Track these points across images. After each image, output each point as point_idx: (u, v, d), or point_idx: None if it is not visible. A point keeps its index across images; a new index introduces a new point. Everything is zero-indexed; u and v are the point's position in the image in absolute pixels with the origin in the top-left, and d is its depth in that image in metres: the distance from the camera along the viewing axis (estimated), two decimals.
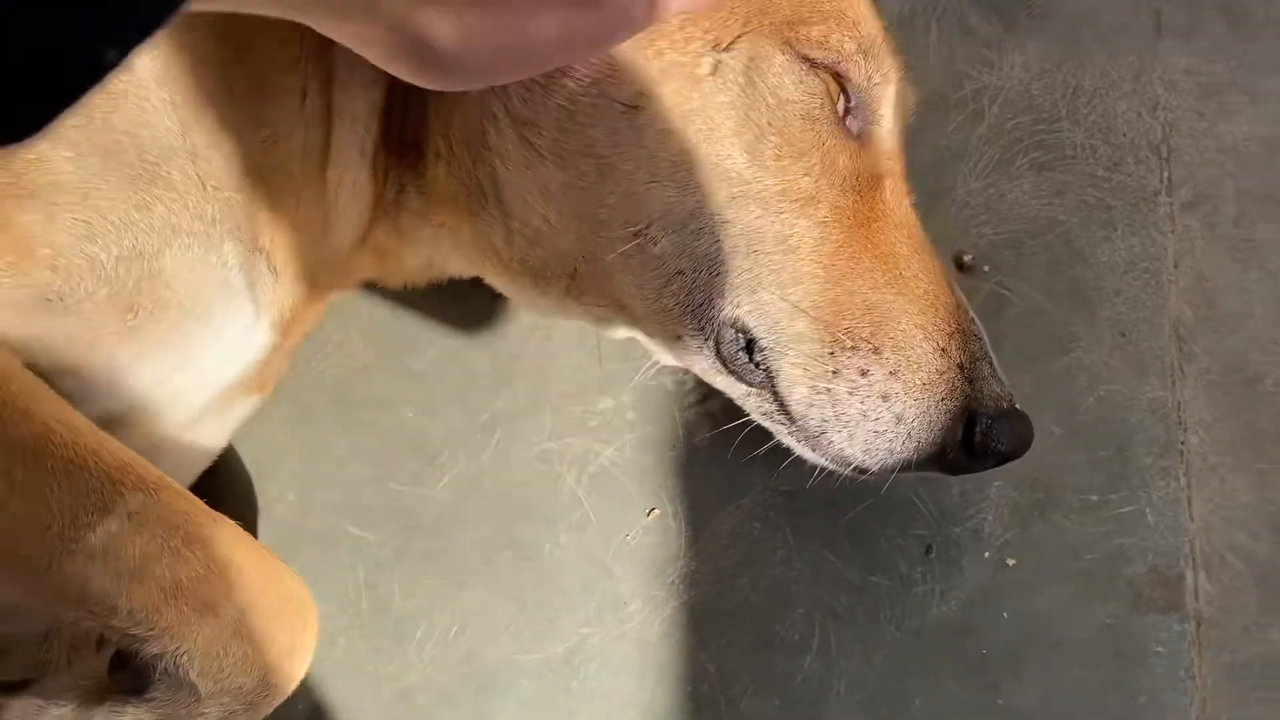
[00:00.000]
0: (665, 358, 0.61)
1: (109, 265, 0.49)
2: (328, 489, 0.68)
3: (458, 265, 0.62)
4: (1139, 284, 0.70)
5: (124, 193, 0.48)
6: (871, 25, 0.55)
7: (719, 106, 0.51)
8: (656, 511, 0.67)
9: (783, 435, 0.57)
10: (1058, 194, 0.71)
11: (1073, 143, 0.72)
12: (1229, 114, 0.73)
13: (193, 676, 0.48)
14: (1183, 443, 0.67)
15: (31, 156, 0.46)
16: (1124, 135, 0.73)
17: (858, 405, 0.53)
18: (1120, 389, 0.68)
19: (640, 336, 0.61)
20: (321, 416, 0.70)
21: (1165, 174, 0.72)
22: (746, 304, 0.54)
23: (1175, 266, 0.70)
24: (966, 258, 0.70)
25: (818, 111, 0.52)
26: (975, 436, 0.54)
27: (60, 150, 0.47)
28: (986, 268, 0.70)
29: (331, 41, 0.36)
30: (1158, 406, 0.68)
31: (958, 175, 0.71)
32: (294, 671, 0.52)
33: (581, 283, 0.57)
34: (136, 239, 0.49)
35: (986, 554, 0.66)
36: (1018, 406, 0.55)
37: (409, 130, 0.56)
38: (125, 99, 0.47)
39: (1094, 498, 0.67)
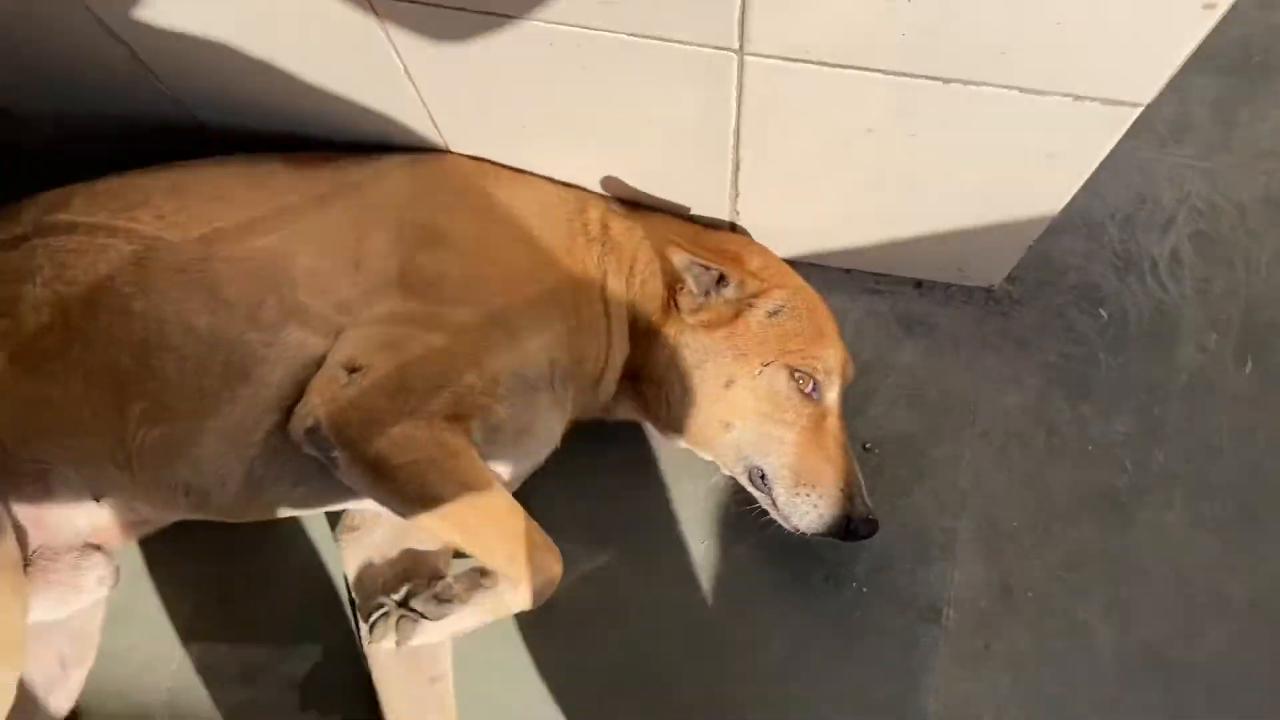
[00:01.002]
0: (726, 472, 1.37)
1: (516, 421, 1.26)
2: None
3: (634, 416, 1.39)
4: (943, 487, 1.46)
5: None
6: (836, 356, 1.31)
7: (760, 389, 1.27)
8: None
9: (773, 513, 1.32)
10: (909, 407, 1.47)
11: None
12: None
13: (520, 585, 1.24)
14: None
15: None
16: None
17: (804, 507, 1.29)
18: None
19: (719, 463, 1.37)
20: None
21: None
22: (763, 463, 1.29)
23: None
24: (867, 445, 1.46)
25: (797, 392, 1.28)
26: (851, 525, 1.29)
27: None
28: (872, 449, 1.45)
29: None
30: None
31: (873, 402, 1.48)
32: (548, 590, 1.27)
33: (694, 442, 1.34)
34: (533, 410, 1.26)
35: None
36: (873, 516, 1.30)
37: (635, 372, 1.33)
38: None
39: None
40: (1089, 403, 1.44)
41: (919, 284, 1.50)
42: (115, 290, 1.22)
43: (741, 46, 0.98)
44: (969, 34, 0.92)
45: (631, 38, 1.00)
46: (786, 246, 1.40)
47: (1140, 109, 0.96)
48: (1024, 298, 1.48)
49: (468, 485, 1.21)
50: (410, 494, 1.20)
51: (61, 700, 1.37)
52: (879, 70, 0.98)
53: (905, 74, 0.98)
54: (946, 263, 1.42)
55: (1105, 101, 0.96)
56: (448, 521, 1.20)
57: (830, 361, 1.30)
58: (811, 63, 0.99)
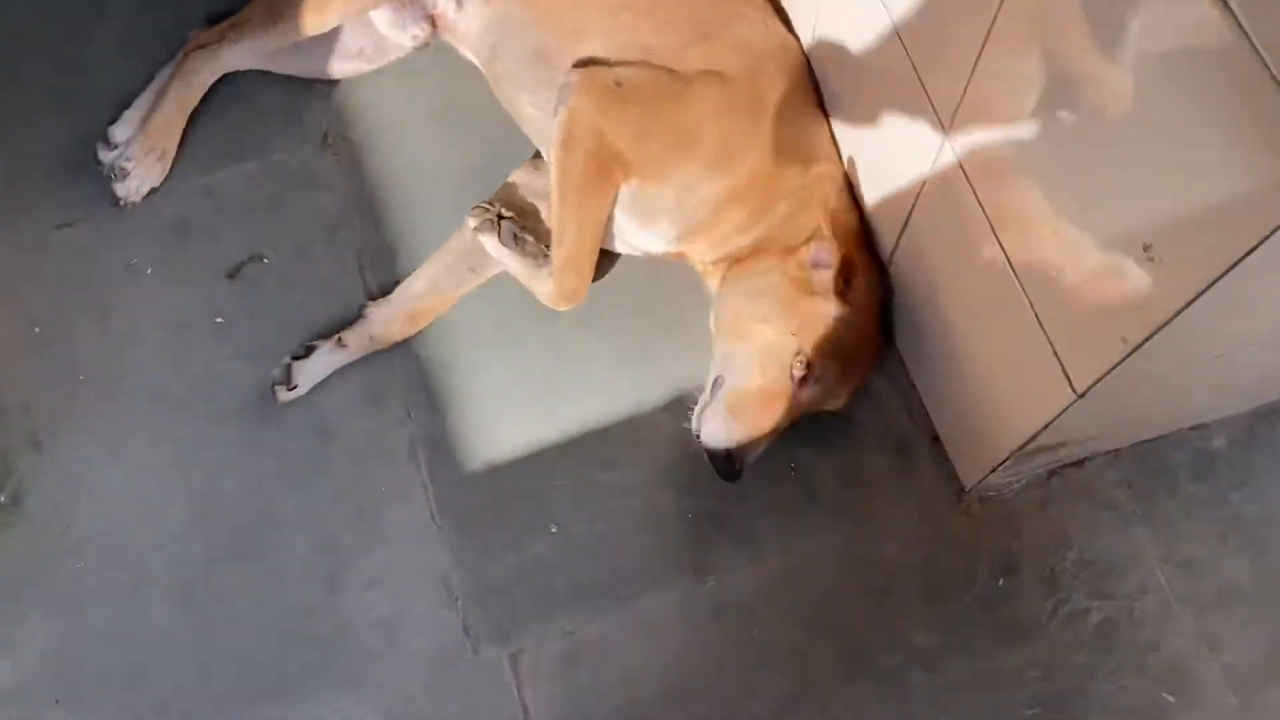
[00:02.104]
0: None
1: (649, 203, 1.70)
2: None
3: (710, 284, 1.79)
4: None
5: None
6: (839, 385, 1.65)
7: (774, 343, 1.60)
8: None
9: (696, 410, 1.68)
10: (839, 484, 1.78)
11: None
12: None
13: (551, 284, 1.69)
14: None
15: None
16: None
17: (717, 423, 1.60)
18: None
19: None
20: None
21: None
22: (728, 376, 1.64)
23: None
24: (793, 466, 1.78)
25: (789, 369, 1.60)
26: (728, 459, 1.61)
27: None
28: (794, 473, 1.78)
29: None
30: None
31: (835, 450, 1.80)
32: (562, 305, 1.73)
33: (713, 323, 1.72)
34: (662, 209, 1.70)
35: None
36: (741, 473, 1.63)
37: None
38: None
39: None
40: (923, 605, 1.70)
41: (935, 437, 1.78)
42: None
43: (949, 128, 1.34)
44: (1038, 255, 1.23)
45: (900, 45, 1.36)
46: (897, 319, 1.73)
47: (1075, 397, 1.24)
48: (974, 518, 1.74)
49: (591, 207, 1.67)
50: (563, 169, 1.66)
51: (337, 67, 1.98)
52: (991, 226, 1.31)
53: (997, 237, 1.30)
54: (956, 440, 1.71)
55: (1063, 370, 1.25)
56: (560, 209, 1.67)
57: (832, 382, 1.63)
58: (971, 189, 1.33)
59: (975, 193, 1.32)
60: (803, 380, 1.63)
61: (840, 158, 1.74)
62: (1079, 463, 1.76)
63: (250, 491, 1.75)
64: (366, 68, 1.99)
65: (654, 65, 1.69)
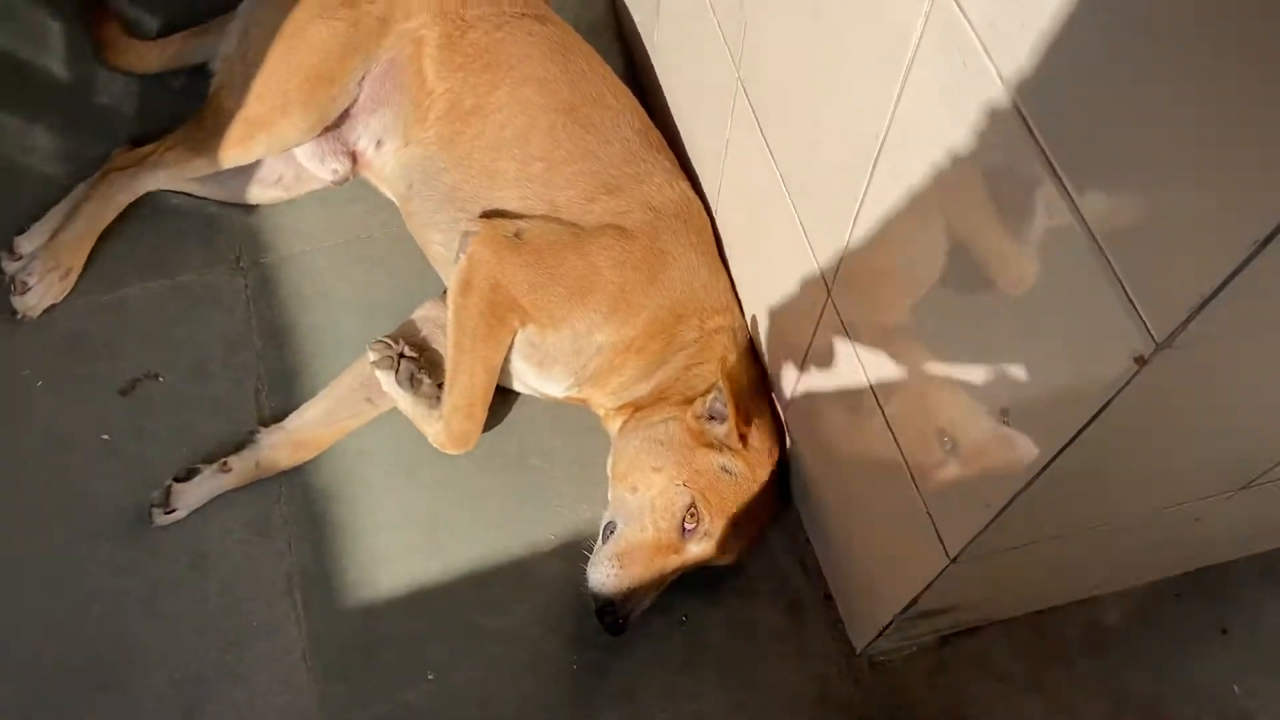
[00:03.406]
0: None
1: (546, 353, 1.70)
2: None
3: (610, 429, 1.77)
4: None
5: None
6: (726, 541, 1.61)
7: (668, 492, 1.59)
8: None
9: (592, 556, 1.65)
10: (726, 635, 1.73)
11: None
12: None
13: (442, 430, 1.68)
14: None
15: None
16: None
17: (606, 570, 1.58)
18: None
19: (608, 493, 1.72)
20: None
21: None
22: (620, 523, 1.62)
23: None
24: (684, 617, 1.74)
25: (680, 519, 1.59)
26: (611, 611, 1.57)
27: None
28: (685, 622, 1.73)
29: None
30: None
31: (722, 600, 1.75)
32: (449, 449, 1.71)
33: (610, 469, 1.71)
34: (558, 355, 1.70)
35: None
36: (625, 625, 1.59)
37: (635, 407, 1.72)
38: None
39: None
40: None
41: (828, 596, 1.75)
42: (509, 71, 1.80)
43: (831, 290, 1.36)
44: (917, 416, 1.24)
45: (791, 203, 1.40)
46: (794, 475, 1.72)
47: (948, 560, 1.23)
48: (861, 682, 1.69)
49: (484, 348, 1.68)
50: (461, 315, 1.68)
51: (254, 193, 1.99)
52: (872, 390, 1.32)
53: (876, 397, 1.31)
54: (846, 600, 1.68)
55: (938, 537, 1.24)
56: (454, 350, 1.69)
57: (719, 534, 1.61)
58: (856, 342, 1.34)
59: (855, 352, 1.33)
60: (692, 533, 1.60)
61: (741, 311, 1.76)
62: (972, 630, 1.73)
63: (113, 616, 1.66)
64: (284, 196, 2.01)
65: (557, 218, 1.72)
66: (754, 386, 1.72)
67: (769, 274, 1.59)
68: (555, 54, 1.83)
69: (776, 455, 1.69)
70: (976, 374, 1.05)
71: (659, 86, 2.00)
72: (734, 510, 1.62)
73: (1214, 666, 1.75)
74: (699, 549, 1.62)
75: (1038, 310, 0.94)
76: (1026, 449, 0.99)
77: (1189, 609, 1.78)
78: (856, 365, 1.34)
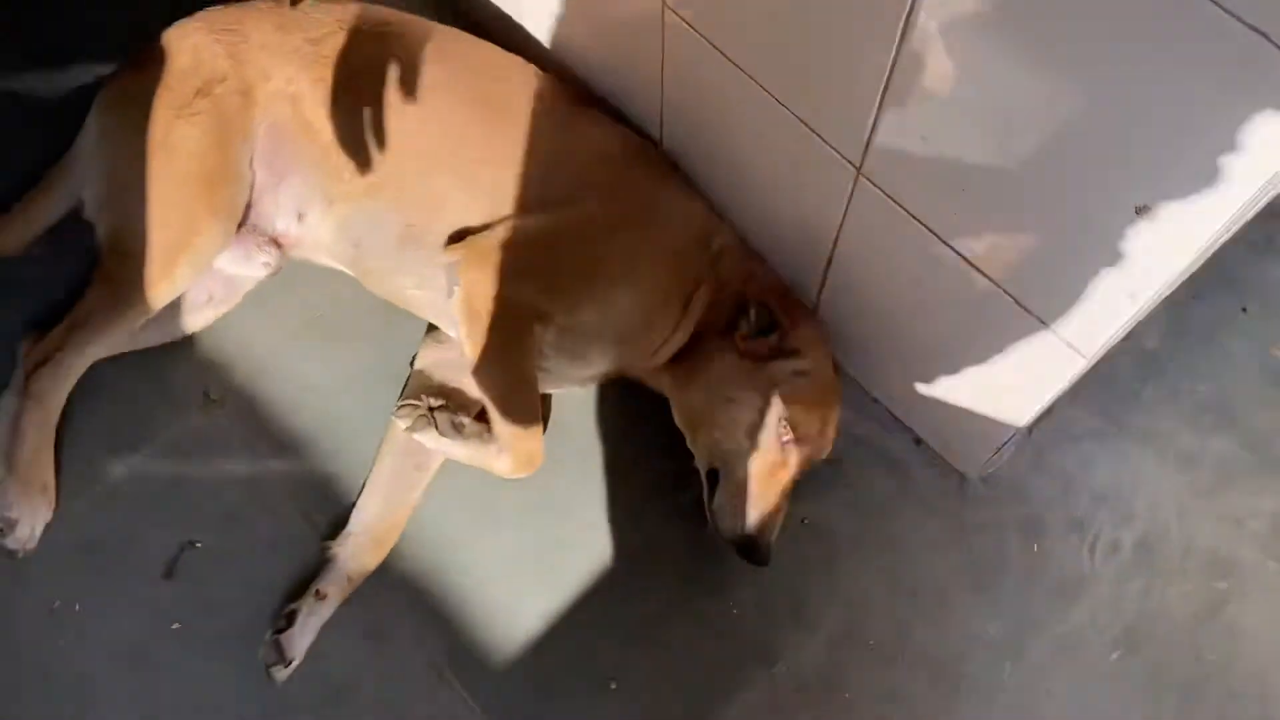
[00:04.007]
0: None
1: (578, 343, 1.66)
2: None
3: (662, 389, 1.76)
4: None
5: None
6: (820, 433, 1.65)
7: (754, 417, 1.60)
8: None
9: (707, 509, 1.65)
10: (853, 517, 1.78)
11: None
12: None
13: (504, 455, 1.63)
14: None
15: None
16: None
17: (730, 513, 1.61)
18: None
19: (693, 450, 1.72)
20: None
21: None
22: (722, 468, 1.62)
23: None
24: (805, 519, 1.78)
25: (775, 435, 1.60)
26: (751, 545, 1.60)
27: None
28: (807, 521, 1.77)
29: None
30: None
31: (830, 496, 1.80)
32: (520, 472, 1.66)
33: (684, 425, 1.70)
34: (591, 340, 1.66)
35: None
36: (768, 551, 1.61)
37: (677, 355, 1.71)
38: None
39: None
40: (980, 601, 1.72)
41: (919, 441, 1.82)
42: (409, 94, 1.70)
43: (860, 166, 1.37)
44: (1001, 241, 1.27)
45: (790, 113, 1.40)
46: (841, 353, 1.75)
47: (1085, 360, 1.29)
48: (985, 500, 1.78)
49: (519, 365, 1.62)
50: (478, 342, 1.62)
51: (193, 320, 1.85)
52: (935, 234, 1.35)
53: (955, 249, 1.34)
54: (942, 435, 1.74)
55: (1066, 343, 1.29)
56: (486, 380, 1.62)
57: (815, 429, 1.64)
58: (897, 203, 1.36)
59: (907, 209, 1.35)
60: (792, 443, 1.63)
61: (727, 225, 1.76)
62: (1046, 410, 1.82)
63: None
64: (222, 311, 1.87)
65: (525, 210, 1.66)
66: (775, 284, 1.74)
67: (767, 174, 1.59)
68: (437, 53, 1.74)
69: (827, 335, 1.72)
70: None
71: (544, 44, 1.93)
72: (818, 405, 1.65)
73: (1247, 342, 1.89)
74: (803, 454, 1.65)
75: None
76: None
77: (1210, 304, 1.91)
78: (910, 222, 1.36)
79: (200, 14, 1.81)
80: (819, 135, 1.39)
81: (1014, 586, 1.73)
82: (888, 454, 1.82)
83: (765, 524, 1.62)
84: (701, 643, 1.69)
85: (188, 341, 1.87)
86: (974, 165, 1.19)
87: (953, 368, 1.56)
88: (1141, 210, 1.02)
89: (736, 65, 1.43)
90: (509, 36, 1.92)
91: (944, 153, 1.21)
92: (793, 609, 1.71)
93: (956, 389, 1.60)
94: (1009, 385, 1.46)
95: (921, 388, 1.69)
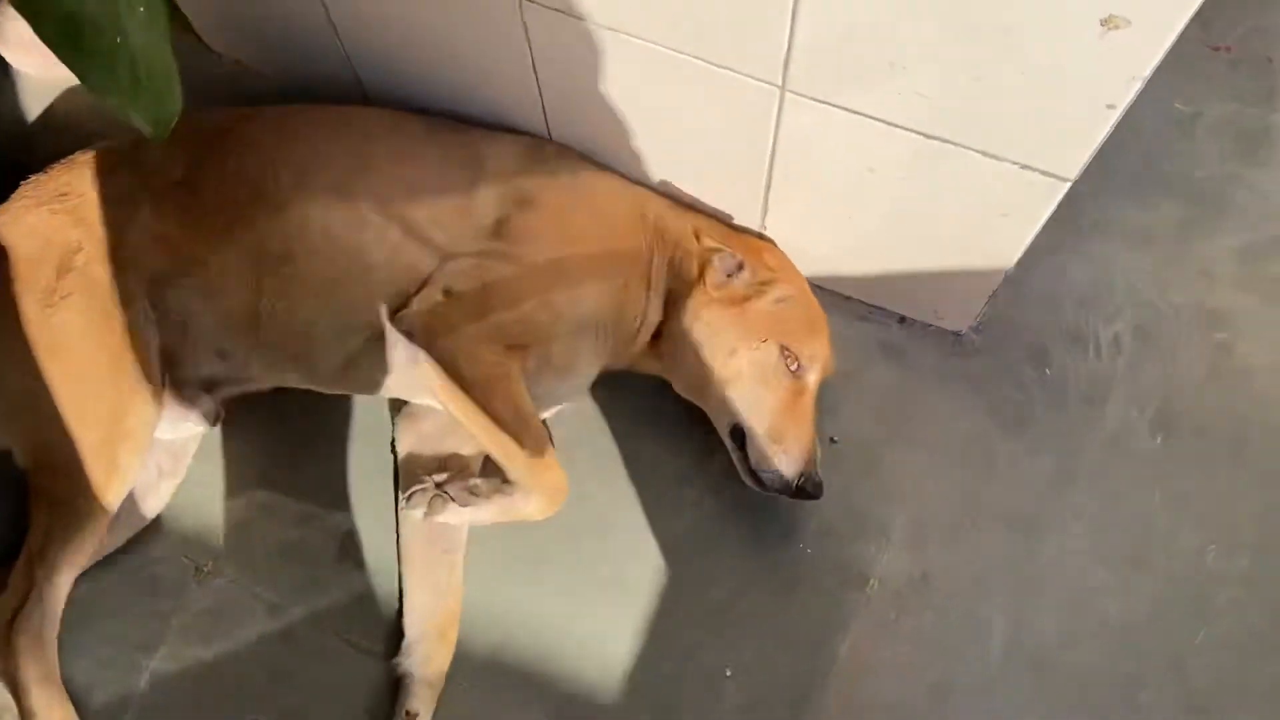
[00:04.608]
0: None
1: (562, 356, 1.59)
2: None
3: (655, 370, 1.71)
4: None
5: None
6: (821, 348, 1.63)
7: (756, 360, 1.58)
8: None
9: (741, 469, 1.62)
10: (874, 416, 1.78)
11: None
12: None
13: (529, 495, 1.55)
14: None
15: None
16: None
17: (770, 462, 1.59)
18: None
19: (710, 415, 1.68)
20: None
21: None
22: (745, 422, 1.59)
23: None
24: (834, 438, 1.76)
25: (784, 367, 1.59)
26: (802, 484, 1.59)
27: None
28: (837, 441, 1.76)
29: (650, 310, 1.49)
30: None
31: (846, 406, 1.78)
32: (553, 508, 1.58)
33: (694, 394, 1.66)
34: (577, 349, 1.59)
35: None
36: (820, 481, 1.60)
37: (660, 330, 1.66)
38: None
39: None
40: (1022, 441, 1.73)
41: (902, 319, 1.81)
42: (279, 189, 1.58)
43: (784, 85, 1.33)
44: (951, 101, 1.25)
45: (694, 59, 1.34)
46: (800, 266, 1.72)
47: (1068, 184, 1.29)
48: (984, 348, 1.79)
49: (512, 405, 1.54)
50: (465, 400, 1.53)
51: (152, 503, 1.71)
52: (883, 121, 1.32)
53: (901, 126, 1.32)
54: (925, 303, 1.73)
55: (1042, 173, 1.29)
56: (489, 432, 1.53)
57: (815, 350, 1.61)
58: (835, 106, 1.33)
59: (842, 106, 1.32)
60: (800, 369, 1.60)
61: (650, 191, 1.71)
62: None
63: None
64: (176, 481, 1.74)
65: (455, 254, 1.57)
66: (721, 227, 1.70)
67: (682, 128, 1.53)
68: (294, 133, 1.63)
69: (786, 256, 1.69)
70: None
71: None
72: (811, 324, 1.63)
73: (1151, 103, 1.94)
74: (814, 375, 1.62)
75: None
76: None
77: None
78: (850, 120, 1.33)
79: (20, 191, 1.64)
80: (732, 70, 1.34)
81: (1044, 415, 1.75)
82: (879, 344, 1.81)
83: (807, 457, 1.59)
84: (789, 596, 1.67)
85: (154, 526, 1.73)
86: (914, 32, 1.16)
87: (927, 237, 1.55)
88: (1107, 22, 1.01)
89: (628, 35, 1.36)
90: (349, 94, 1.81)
91: (876, 32, 1.18)
92: (858, 527, 1.70)
93: (935, 255, 1.59)
94: (992, 234, 1.46)
95: (893, 268, 1.68)
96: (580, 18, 1.39)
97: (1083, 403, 1.76)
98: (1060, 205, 1.34)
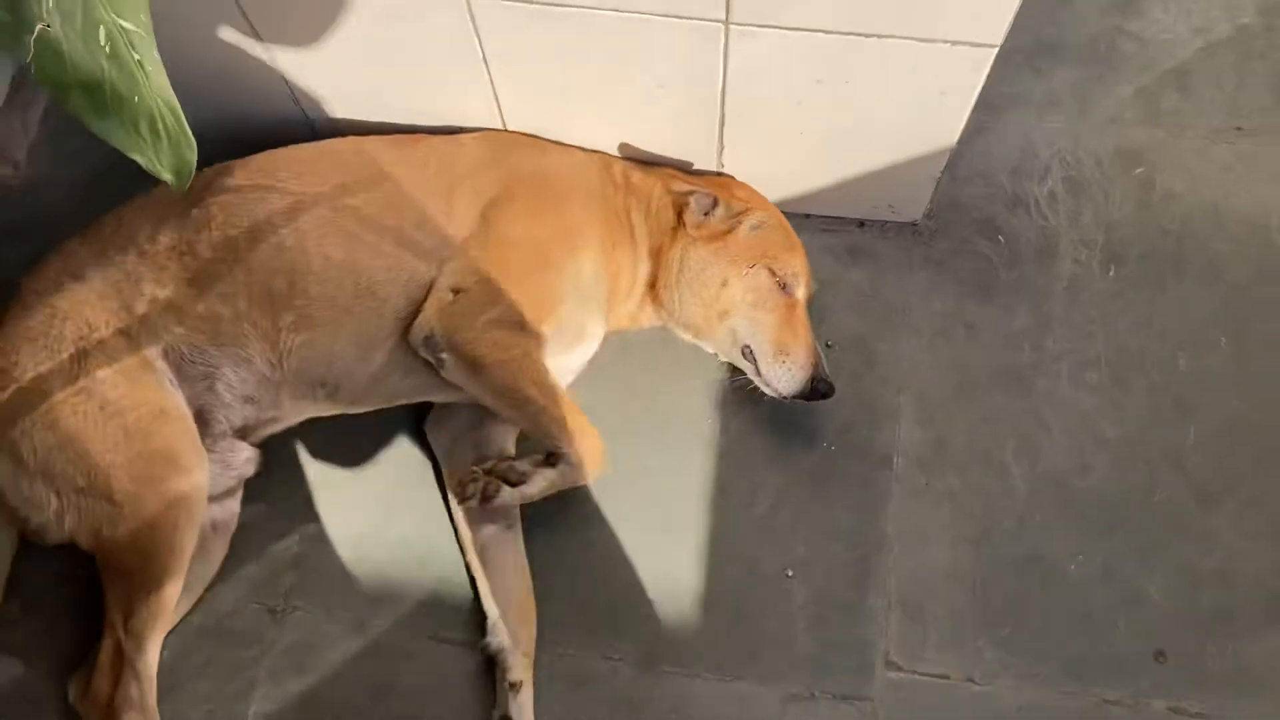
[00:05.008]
0: (722, 357, 1.80)
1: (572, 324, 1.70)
2: None
3: (653, 322, 1.83)
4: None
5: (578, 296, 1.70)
6: (802, 262, 1.76)
7: (748, 285, 1.71)
8: None
9: (758, 382, 1.75)
10: (859, 315, 1.92)
11: None
12: None
13: (574, 462, 1.65)
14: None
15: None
16: None
17: (781, 372, 1.72)
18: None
19: (718, 349, 1.80)
20: None
21: None
22: (751, 341, 1.73)
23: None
24: (830, 343, 1.90)
25: (775, 287, 1.72)
26: (815, 385, 1.72)
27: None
28: (833, 345, 1.90)
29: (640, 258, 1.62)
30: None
31: (832, 313, 1.92)
32: (598, 468, 1.68)
33: (699, 332, 1.78)
34: (583, 315, 1.70)
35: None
36: (830, 379, 1.74)
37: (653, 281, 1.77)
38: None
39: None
40: (994, 305, 1.89)
41: (861, 223, 1.96)
42: (272, 229, 1.65)
43: (727, 19, 1.45)
44: None
45: (639, 15, 1.46)
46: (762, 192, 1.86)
47: (995, 49, 1.44)
48: (940, 231, 1.95)
49: (538, 381, 1.63)
50: (497, 386, 1.62)
51: (213, 557, 1.76)
52: (824, 30, 1.46)
53: (841, 32, 1.45)
54: (880, 201, 1.88)
55: (971, 45, 1.44)
56: (522, 410, 1.63)
57: (798, 266, 1.75)
58: (778, 27, 1.46)
59: (789, 26, 1.46)
60: (789, 285, 1.74)
61: (609, 155, 1.83)
62: None
63: None
64: (230, 531, 1.79)
65: (453, 255, 1.67)
66: (684, 171, 1.82)
67: (632, 84, 1.65)
68: (267, 178, 1.70)
69: (752, 186, 1.83)
70: None
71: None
72: (789, 242, 1.77)
73: None
74: (801, 290, 1.76)
75: None
76: None
77: None
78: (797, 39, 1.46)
79: (18, 297, 1.67)
80: (676, 16, 1.46)
81: (1007, 278, 1.91)
82: (847, 250, 1.95)
83: (814, 362, 1.72)
84: (826, 491, 1.80)
85: (218, 580, 1.78)
86: None
87: (876, 134, 1.68)
88: None
89: (574, 6, 1.47)
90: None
91: None
92: (871, 416, 1.84)
93: (884, 150, 1.73)
94: (934, 114, 1.60)
95: (848, 173, 1.81)
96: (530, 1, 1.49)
97: (1037, 258, 1.92)
98: None
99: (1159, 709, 1.66)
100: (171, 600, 1.61)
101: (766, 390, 1.75)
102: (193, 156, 1.27)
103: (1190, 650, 1.69)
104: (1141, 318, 1.88)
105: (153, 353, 1.63)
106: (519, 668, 1.68)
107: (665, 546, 1.77)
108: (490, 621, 1.71)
